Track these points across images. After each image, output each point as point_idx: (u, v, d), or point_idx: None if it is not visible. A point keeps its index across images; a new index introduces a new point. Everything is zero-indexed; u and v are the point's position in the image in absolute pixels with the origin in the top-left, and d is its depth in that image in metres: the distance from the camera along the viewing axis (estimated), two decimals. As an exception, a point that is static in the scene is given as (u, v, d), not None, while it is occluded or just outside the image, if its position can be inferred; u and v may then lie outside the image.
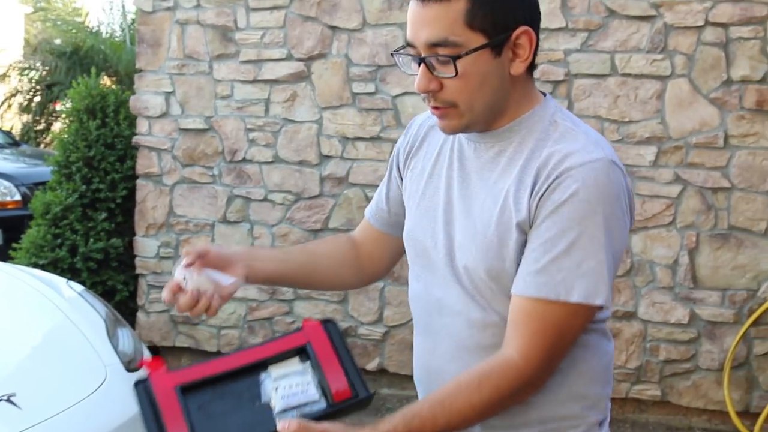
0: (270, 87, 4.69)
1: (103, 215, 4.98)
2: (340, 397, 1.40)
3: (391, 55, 1.56)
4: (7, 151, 8.11)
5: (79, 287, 3.50)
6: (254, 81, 4.71)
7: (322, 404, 1.39)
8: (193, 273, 1.52)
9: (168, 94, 4.89)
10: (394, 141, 4.43)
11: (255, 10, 4.69)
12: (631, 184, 1.46)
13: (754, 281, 4.07)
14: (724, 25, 4.00)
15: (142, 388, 1.42)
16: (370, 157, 4.54)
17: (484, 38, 1.39)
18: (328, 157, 4.62)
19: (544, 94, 1.53)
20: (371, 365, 4.61)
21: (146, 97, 4.94)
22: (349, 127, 4.57)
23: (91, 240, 4.91)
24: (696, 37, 4.04)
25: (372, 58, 4.51)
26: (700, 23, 4.02)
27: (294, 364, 1.44)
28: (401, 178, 1.68)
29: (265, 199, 4.72)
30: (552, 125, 1.47)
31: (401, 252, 1.73)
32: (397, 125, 4.48)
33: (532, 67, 1.48)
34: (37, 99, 11.05)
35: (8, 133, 9.57)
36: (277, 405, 1.38)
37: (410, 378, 4.55)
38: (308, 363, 1.44)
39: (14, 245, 5.21)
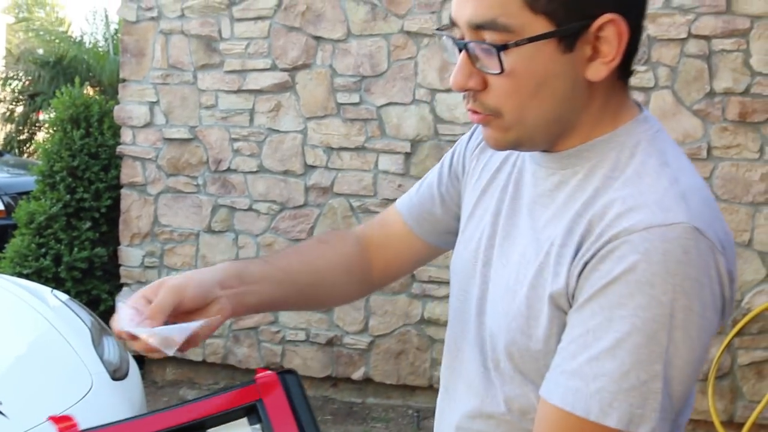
0: (254, 97, 4.69)
1: (88, 224, 4.97)
2: None
3: (434, 34, 1.36)
4: (-10, 160, 8.07)
5: (64, 296, 3.49)
6: (239, 91, 4.71)
7: None
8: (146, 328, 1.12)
9: (152, 104, 4.88)
10: (379, 151, 4.46)
11: (239, 20, 4.70)
12: (731, 264, 1.01)
13: (738, 292, 4.10)
14: (707, 38, 4.04)
15: None
16: (355, 167, 4.55)
17: (549, 24, 1.00)
18: (313, 167, 4.62)
19: (641, 109, 1.11)
20: (356, 375, 4.61)
21: (130, 107, 4.93)
22: (333, 137, 4.58)
23: (76, 249, 4.89)
24: (679, 49, 4.08)
25: (356, 68, 4.52)
26: (683, 35, 4.06)
27: (241, 427, 1.17)
28: (460, 180, 1.32)
29: (249, 209, 4.72)
30: (630, 157, 1.05)
31: (423, 262, 1.44)
32: (381, 135, 4.49)
33: (624, 71, 1.08)
34: (20, 109, 11.00)
35: (-10, 143, 9.53)
36: None
37: (395, 387, 4.59)
38: (258, 426, 1.17)
39: (-2, 255, 5.19)
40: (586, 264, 0.99)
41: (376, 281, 1.41)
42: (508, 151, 1.18)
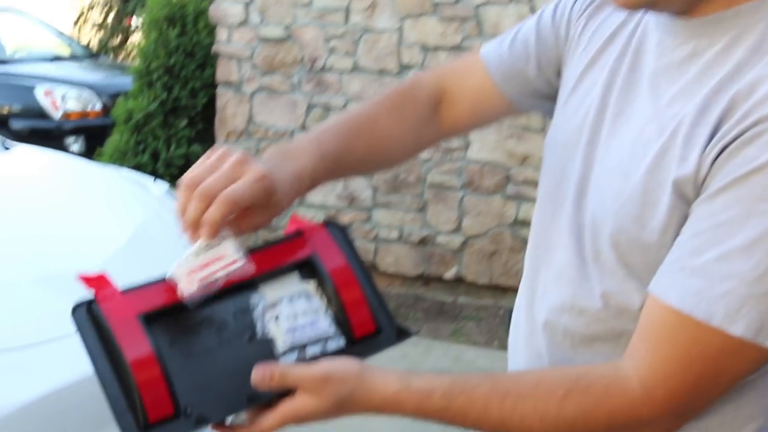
0: (350, -6, 4.64)
1: (184, 122, 5.04)
2: (360, 332, 1.04)
3: None
4: (86, 62, 8.19)
5: (166, 185, 3.56)
6: (335, -12, 4.67)
7: (340, 341, 1.04)
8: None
9: (247, 3, 4.86)
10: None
11: None
12: None
13: None
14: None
15: (85, 313, 0.99)
16: (451, 65, 4.48)
17: None
18: (409, 66, 4.57)
19: None
20: (448, 274, 4.63)
21: (225, 6, 4.92)
22: (430, 36, 4.51)
23: (173, 146, 4.98)
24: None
25: (455, -37, 4.42)
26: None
27: (293, 283, 1.06)
28: (561, 44, 1.16)
29: (344, 108, 4.71)
30: None
31: (496, 119, 1.31)
32: (479, 34, 4.40)
33: None
34: (113, 14, 11.12)
35: (86, 47, 9.67)
36: (280, 341, 1.01)
37: (487, 287, 4.60)
38: (313, 282, 1.06)
39: (98, 151, 5.31)
40: (724, 148, 0.86)
41: (443, 133, 1.29)
42: (625, 16, 1.06)
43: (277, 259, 1.07)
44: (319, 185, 1.12)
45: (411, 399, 0.94)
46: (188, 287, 0.97)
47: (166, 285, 1.00)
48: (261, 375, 0.94)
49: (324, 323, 1.04)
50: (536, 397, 0.93)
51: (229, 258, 0.98)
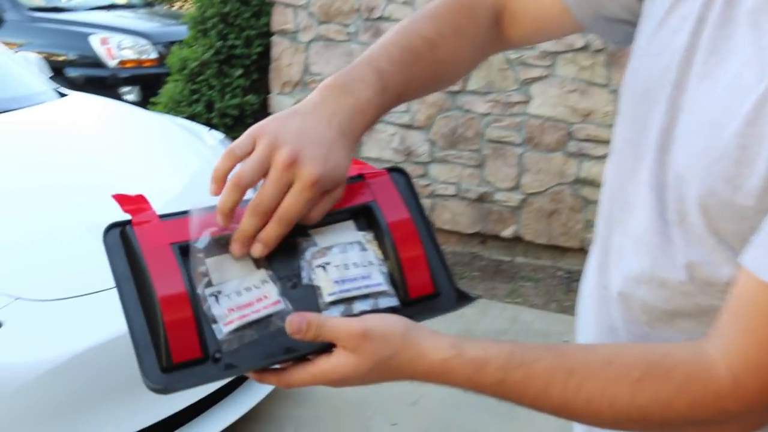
0: (411, -60, 4.49)
1: (239, 71, 4.95)
2: (416, 292, 0.94)
3: None
4: (142, 11, 8.15)
5: (220, 135, 3.50)
6: (395, -66, 4.52)
7: (393, 299, 0.93)
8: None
9: (305, -52, 4.74)
10: None
11: None
12: None
13: None
14: None
15: (118, 236, 0.91)
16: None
17: None
18: (470, 16, 4.42)
19: None
20: (506, 232, 4.51)
21: (283, -48, 4.81)
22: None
23: (227, 96, 4.90)
24: None
25: None
26: None
27: (348, 232, 0.96)
28: None
29: (402, 59, 4.58)
30: None
31: (560, 37, 1.18)
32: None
33: None
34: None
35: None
36: (326, 292, 0.92)
37: (545, 247, 4.47)
38: (370, 233, 0.97)
39: (152, 100, 5.26)
40: None
41: (500, 49, 1.17)
42: None
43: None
44: (379, 120, 1.01)
45: (462, 368, 0.82)
46: (225, 327, 0.88)
47: (209, 217, 0.90)
48: (296, 324, 0.84)
49: (377, 278, 0.94)
50: (606, 378, 0.81)
51: (271, 299, 0.91)
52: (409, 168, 4.61)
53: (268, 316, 0.90)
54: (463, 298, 0.96)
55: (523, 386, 0.82)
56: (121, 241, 0.90)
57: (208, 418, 2.42)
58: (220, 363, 0.87)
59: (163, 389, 0.84)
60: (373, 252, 0.96)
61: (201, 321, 0.87)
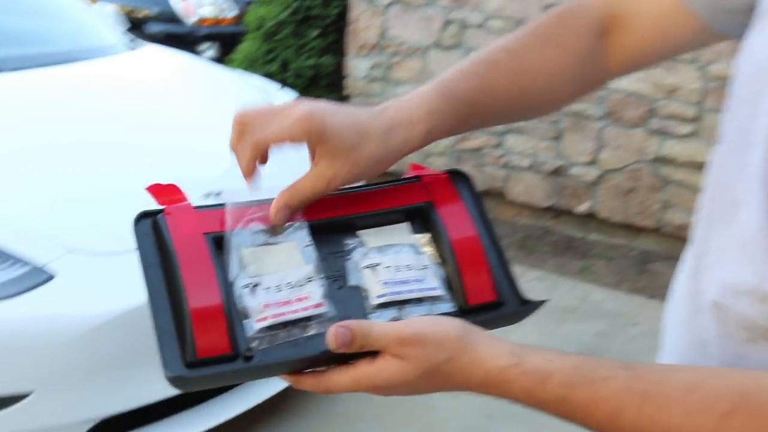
0: None
1: (315, 32, 4.89)
2: (476, 299, 0.86)
3: None
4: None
5: (293, 94, 3.44)
6: None
7: (447, 304, 0.86)
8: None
9: None
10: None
11: None
12: None
13: None
14: None
15: (149, 226, 0.85)
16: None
17: None
18: (554, -17, 4.27)
19: None
20: (580, 208, 4.38)
21: None
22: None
23: (303, 56, 4.85)
24: None
25: None
26: None
27: (401, 233, 0.90)
28: None
29: (482, 26, 4.46)
30: None
31: (680, 50, 1.02)
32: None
33: None
34: None
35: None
36: (374, 294, 0.84)
37: (620, 226, 4.33)
38: (427, 236, 0.89)
39: (229, 57, 5.24)
40: None
41: (611, 71, 1.01)
42: None
43: (386, 201, 0.90)
44: (448, 133, 0.92)
45: (521, 380, 0.73)
46: (256, 324, 0.81)
47: (248, 210, 0.85)
48: (341, 336, 0.75)
49: (432, 282, 0.86)
50: (688, 409, 0.69)
51: (313, 300, 0.82)
52: (484, 138, 4.51)
53: (307, 319, 0.82)
54: (528, 307, 0.88)
55: (588, 407, 0.72)
56: (152, 231, 0.85)
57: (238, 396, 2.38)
58: (251, 362, 0.80)
59: (182, 381, 0.78)
60: (429, 256, 0.89)
61: (233, 315, 0.80)
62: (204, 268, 0.81)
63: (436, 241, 0.89)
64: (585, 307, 3.65)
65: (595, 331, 3.43)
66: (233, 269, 0.82)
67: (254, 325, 0.80)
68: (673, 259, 4.11)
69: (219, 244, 0.83)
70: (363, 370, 0.76)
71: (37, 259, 1.94)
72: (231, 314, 0.80)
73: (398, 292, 0.84)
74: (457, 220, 0.89)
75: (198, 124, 2.85)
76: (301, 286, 0.82)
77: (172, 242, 0.82)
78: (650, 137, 4.15)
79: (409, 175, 0.93)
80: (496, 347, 0.74)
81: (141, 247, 0.83)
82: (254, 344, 0.79)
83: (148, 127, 2.72)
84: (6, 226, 2.00)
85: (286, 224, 0.85)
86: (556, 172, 4.39)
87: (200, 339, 0.78)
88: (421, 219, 0.90)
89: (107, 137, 2.56)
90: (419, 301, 0.85)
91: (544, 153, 4.41)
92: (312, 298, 0.82)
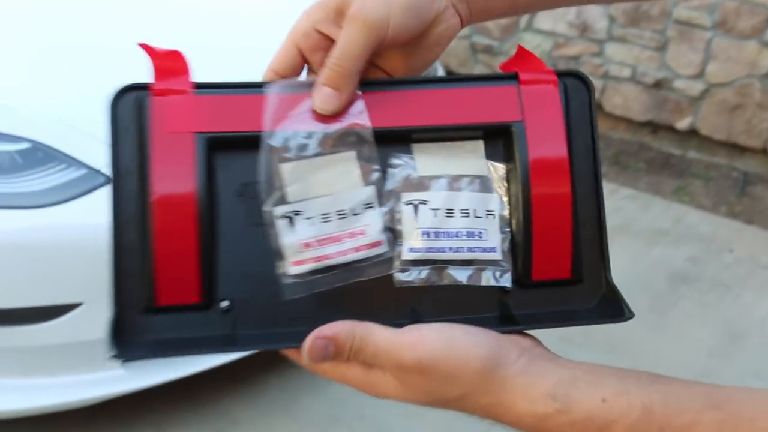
0: None
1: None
2: (545, 273, 0.67)
3: None
4: None
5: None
6: None
7: (505, 275, 0.67)
8: None
9: None
10: None
11: None
12: None
13: None
14: None
15: (130, 105, 0.65)
16: None
17: None
18: None
19: None
20: (681, 124, 4.15)
21: None
22: None
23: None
24: None
25: None
26: None
27: (472, 158, 0.68)
28: None
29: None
30: None
31: None
32: None
33: None
34: None
35: None
36: (407, 244, 0.66)
37: (722, 144, 4.08)
38: (505, 169, 0.68)
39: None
40: None
41: None
42: None
43: (456, 108, 0.67)
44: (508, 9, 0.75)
45: (569, 430, 0.57)
46: (294, 267, 0.63)
47: (294, 100, 0.64)
48: (317, 351, 0.60)
49: (492, 239, 0.67)
50: None
51: (370, 237, 0.65)
52: (583, 45, 4.27)
53: (360, 262, 0.64)
54: (612, 301, 0.66)
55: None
56: (136, 115, 0.64)
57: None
58: (227, 318, 0.63)
59: (115, 345, 0.60)
60: (500, 198, 0.68)
61: (212, 253, 0.63)
62: (181, 177, 0.62)
63: (513, 177, 0.67)
64: (678, 229, 3.48)
65: (687, 255, 3.26)
66: (266, 190, 0.63)
67: (290, 269, 0.63)
68: (777, 183, 3.88)
69: (216, 146, 0.63)
70: (353, 372, 0.62)
71: (93, 162, 1.87)
72: (211, 257, 0.63)
73: (440, 249, 0.66)
74: (548, 156, 0.67)
75: (262, 22, 2.73)
76: (356, 215, 0.64)
77: (150, 138, 0.62)
78: (763, 50, 3.87)
79: (508, 63, 0.71)
80: (532, 387, 0.57)
81: (115, 139, 0.64)
82: (287, 291, 0.63)
83: (203, 25, 2.60)
84: (58, 127, 1.93)
85: (345, 125, 0.64)
86: (658, 84, 4.15)
87: (163, 283, 0.62)
88: (505, 141, 0.68)
89: (160, 36, 2.46)
90: (466, 263, 0.66)
91: (646, 63, 4.16)
92: (369, 233, 0.64)
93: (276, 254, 0.64)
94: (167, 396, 2.22)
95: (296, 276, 0.64)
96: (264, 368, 2.41)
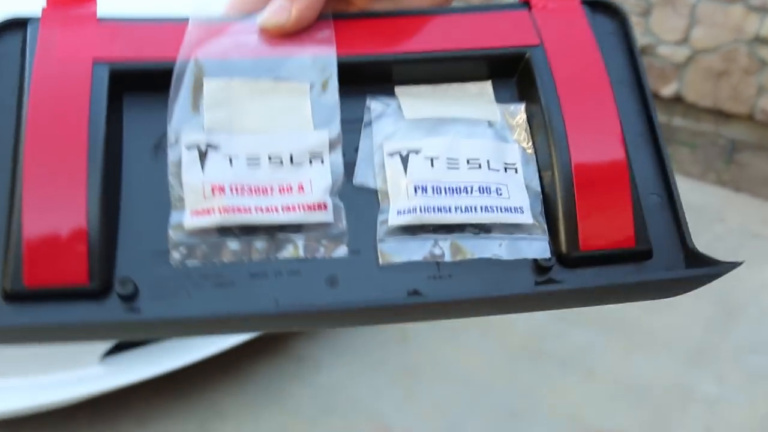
0: None
1: None
2: (599, 241, 0.49)
3: None
4: None
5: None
6: None
7: (540, 243, 0.50)
8: None
9: None
10: None
11: None
12: None
13: None
14: None
15: (15, 43, 0.50)
16: None
17: None
18: None
19: None
20: (666, 91, 4.07)
21: None
22: None
23: None
24: None
25: None
26: None
27: (476, 101, 0.53)
28: None
29: None
30: None
31: None
32: None
33: None
34: None
35: None
36: (393, 205, 0.49)
37: (708, 111, 4.01)
38: (522, 110, 0.53)
39: None
40: None
41: None
42: None
43: (451, 35, 0.52)
44: None
45: None
46: (194, 218, 0.47)
47: (213, 30, 0.49)
48: None
49: (517, 197, 0.49)
50: None
51: (311, 196, 0.48)
52: None
53: (293, 229, 0.47)
54: (704, 270, 0.48)
55: None
56: (20, 53, 0.49)
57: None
58: (127, 302, 0.45)
59: None
60: (520, 147, 0.51)
61: (110, 215, 0.46)
62: (70, 125, 0.46)
63: (537, 121, 0.51)
64: (667, 199, 3.41)
65: (678, 226, 3.20)
66: (176, 110, 0.48)
67: (187, 219, 0.46)
68: (764, 149, 3.82)
69: (119, 80, 0.48)
70: None
71: None
72: (108, 222, 0.45)
73: (442, 209, 0.47)
74: (586, 89, 0.51)
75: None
76: (297, 164, 0.48)
77: (31, 71, 0.47)
78: (750, 14, 3.79)
79: None
80: None
81: None
82: (174, 255, 0.46)
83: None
84: None
85: (302, 55, 0.49)
86: (642, 50, 4.06)
87: (31, 260, 0.44)
88: (520, 77, 0.53)
89: None
90: (483, 230, 0.48)
91: (630, 29, 4.08)
92: (310, 191, 0.47)
93: (174, 201, 0.47)
94: (149, 389, 2.12)
95: (193, 232, 0.46)
96: (250, 356, 2.31)
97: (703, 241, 3.09)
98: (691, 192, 3.47)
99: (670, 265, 0.50)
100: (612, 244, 0.49)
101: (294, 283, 0.46)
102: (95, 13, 0.49)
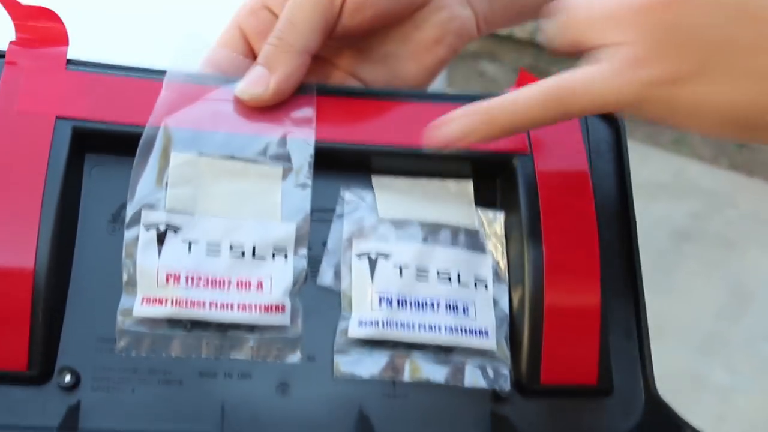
0: None
1: None
2: (560, 376, 0.48)
3: None
4: None
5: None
6: None
7: (501, 372, 0.47)
8: None
9: None
10: None
11: None
12: None
13: None
14: None
15: None
16: None
17: None
18: None
19: None
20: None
21: None
22: None
23: None
24: None
25: None
26: None
27: (456, 204, 0.51)
28: None
29: None
30: None
31: None
32: None
33: None
34: None
35: None
36: (356, 313, 0.47)
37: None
38: (501, 218, 0.50)
39: None
40: None
41: None
42: None
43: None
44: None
45: None
46: (143, 307, 0.44)
47: (193, 93, 0.47)
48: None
49: (482, 317, 0.47)
50: None
51: (269, 297, 0.45)
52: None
53: (246, 329, 0.45)
54: (657, 421, 0.47)
55: None
56: None
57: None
58: (69, 398, 0.42)
59: None
60: (494, 261, 0.49)
61: (57, 296, 0.43)
62: (24, 188, 0.42)
63: (515, 235, 0.49)
64: (679, 183, 3.37)
65: (690, 211, 3.16)
66: (140, 183, 0.45)
67: (135, 307, 0.43)
68: (779, 132, 3.79)
69: (83, 139, 0.45)
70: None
71: None
72: (54, 305, 0.42)
73: (406, 325, 0.45)
74: (569, 210, 0.49)
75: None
76: (259, 258, 0.45)
77: None
78: None
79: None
80: None
81: None
82: (121, 342, 0.43)
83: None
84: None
85: (277, 134, 0.47)
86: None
87: None
88: (503, 182, 0.51)
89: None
90: (444, 351, 0.47)
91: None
92: (269, 290, 0.45)
93: (126, 284, 0.44)
94: None
95: (142, 321, 0.44)
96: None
97: (715, 227, 3.06)
98: (702, 176, 3.43)
99: (630, 407, 0.49)
100: (574, 380, 0.48)
101: (244, 387, 0.44)
102: (65, 57, 0.47)
